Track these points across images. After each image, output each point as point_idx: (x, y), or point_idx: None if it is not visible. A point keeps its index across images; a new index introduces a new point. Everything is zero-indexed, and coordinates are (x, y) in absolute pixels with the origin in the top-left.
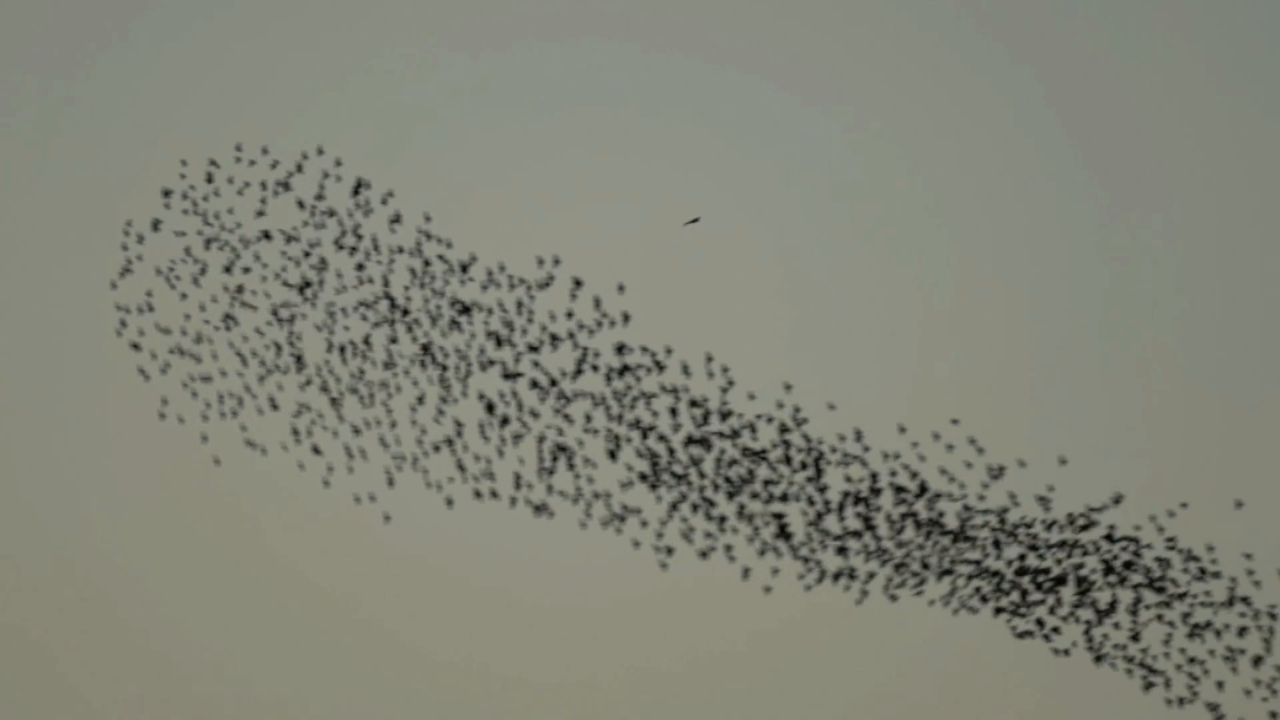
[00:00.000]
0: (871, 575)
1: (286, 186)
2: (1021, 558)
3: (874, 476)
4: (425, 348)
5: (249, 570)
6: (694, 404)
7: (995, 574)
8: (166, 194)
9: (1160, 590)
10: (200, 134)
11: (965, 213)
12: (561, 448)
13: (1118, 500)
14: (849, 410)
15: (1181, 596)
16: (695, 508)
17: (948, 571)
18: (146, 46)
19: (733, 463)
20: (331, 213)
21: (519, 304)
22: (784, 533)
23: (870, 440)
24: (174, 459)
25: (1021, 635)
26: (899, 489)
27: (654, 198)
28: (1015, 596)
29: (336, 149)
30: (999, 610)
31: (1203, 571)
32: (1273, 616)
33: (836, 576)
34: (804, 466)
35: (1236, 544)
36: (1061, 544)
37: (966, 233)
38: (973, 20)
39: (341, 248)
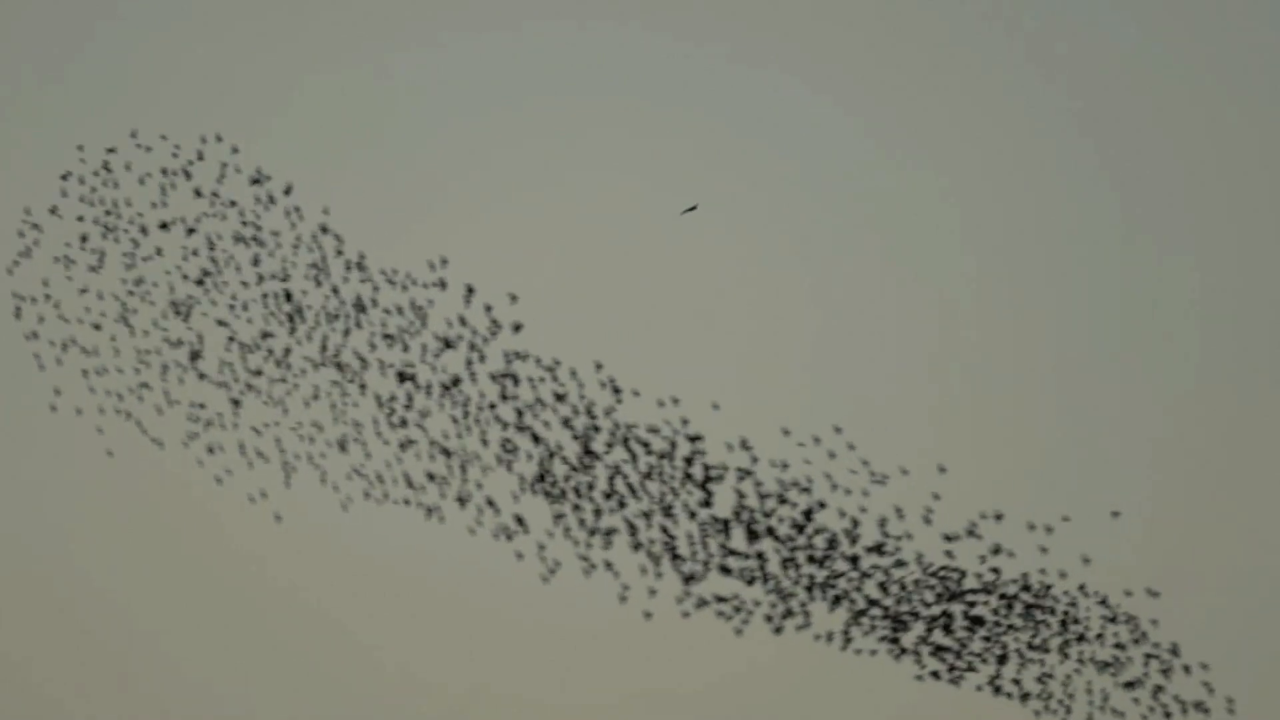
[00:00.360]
0: (756, 604)
1: (187, 175)
2: (928, 604)
3: (762, 497)
4: (323, 346)
5: (142, 563)
6: (586, 413)
7: (896, 616)
8: (64, 178)
9: (1068, 631)
10: (99, 120)
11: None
12: (448, 451)
13: (999, 517)
14: (736, 417)
15: (1082, 639)
16: (582, 521)
17: (838, 600)
18: (40, 30)
19: (616, 471)
20: (233, 203)
21: (415, 305)
22: (672, 550)
23: (760, 450)
24: (67, 451)
25: (923, 676)
26: (784, 500)
27: (567, 199)
28: (917, 635)
29: (234, 138)
30: (902, 652)
31: (1113, 617)
32: (1174, 653)
33: (721, 602)
34: (688, 478)
35: (1114, 558)
36: (973, 591)
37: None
38: (980, 20)
39: (240, 240)
